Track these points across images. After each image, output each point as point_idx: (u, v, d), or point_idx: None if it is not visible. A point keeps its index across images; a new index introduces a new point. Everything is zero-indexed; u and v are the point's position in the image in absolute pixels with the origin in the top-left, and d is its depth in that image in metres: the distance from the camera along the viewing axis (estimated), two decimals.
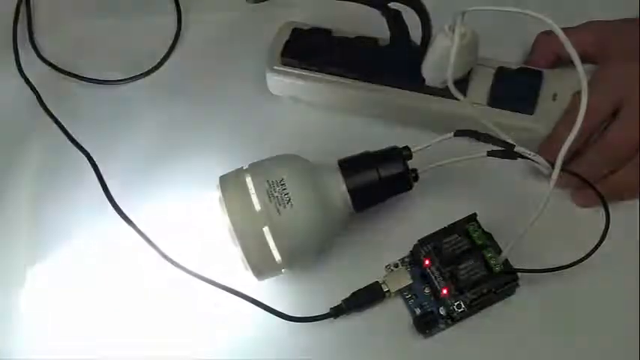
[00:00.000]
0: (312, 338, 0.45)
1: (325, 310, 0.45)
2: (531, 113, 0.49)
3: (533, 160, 0.42)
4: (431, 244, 0.46)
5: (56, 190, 0.52)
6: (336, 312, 0.45)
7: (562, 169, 0.41)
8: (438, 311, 0.45)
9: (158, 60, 0.58)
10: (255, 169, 0.44)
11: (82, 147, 0.50)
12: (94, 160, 0.49)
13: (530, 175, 0.49)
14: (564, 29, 0.39)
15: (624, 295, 0.45)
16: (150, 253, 0.44)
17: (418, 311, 0.45)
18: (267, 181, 0.43)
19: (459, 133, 0.44)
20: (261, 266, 0.43)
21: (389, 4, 0.46)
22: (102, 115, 0.56)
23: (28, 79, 0.56)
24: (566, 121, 0.48)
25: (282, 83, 0.53)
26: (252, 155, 0.46)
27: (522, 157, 0.42)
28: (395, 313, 0.46)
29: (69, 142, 0.50)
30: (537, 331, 0.45)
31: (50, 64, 0.58)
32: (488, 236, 0.46)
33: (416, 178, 0.45)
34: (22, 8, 0.61)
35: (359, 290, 0.46)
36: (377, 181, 0.44)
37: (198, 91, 0.56)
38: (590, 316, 0.45)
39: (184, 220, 0.49)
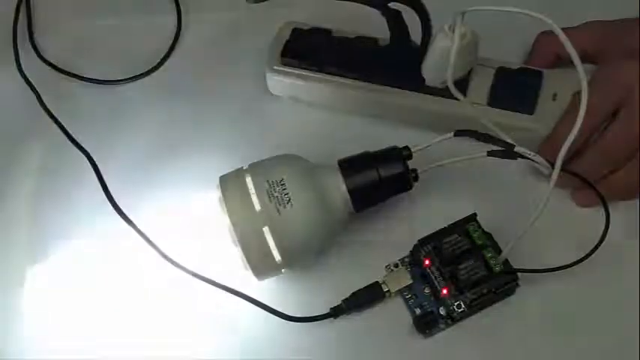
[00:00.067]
0: (312, 338, 0.45)
1: (325, 310, 0.45)
2: (531, 113, 0.49)
3: (533, 160, 0.42)
4: (431, 244, 0.46)
5: (56, 190, 0.52)
6: (336, 312, 0.45)
7: (562, 169, 0.41)
8: (438, 311, 0.45)
9: (158, 60, 0.58)
10: (255, 169, 0.44)
11: (82, 147, 0.50)
12: (94, 160, 0.49)
13: (530, 175, 0.49)
14: (564, 29, 0.39)
15: (624, 295, 0.45)
16: (150, 253, 0.44)
17: (418, 311, 0.45)
18: (267, 181, 0.43)
19: (459, 133, 0.44)
20: (261, 266, 0.43)
21: (389, 4, 0.46)
22: (102, 115, 0.56)
23: (28, 79, 0.56)
24: (566, 121, 0.48)
25: (282, 83, 0.53)
26: (252, 155, 0.46)
27: (522, 157, 0.42)
28: (395, 313, 0.46)
29: (69, 142, 0.50)
30: (537, 331, 0.45)
31: (50, 64, 0.58)
32: (488, 236, 0.46)
33: (416, 178, 0.45)
34: (22, 8, 0.61)
35: (359, 290, 0.46)
36: (377, 181, 0.44)
37: (198, 91, 0.56)
38: (590, 316, 0.45)
39: (184, 220, 0.49)
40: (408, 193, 0.46)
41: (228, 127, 0.54)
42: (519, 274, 0.44)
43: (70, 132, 0.51)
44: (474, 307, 0.44)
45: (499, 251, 0.45)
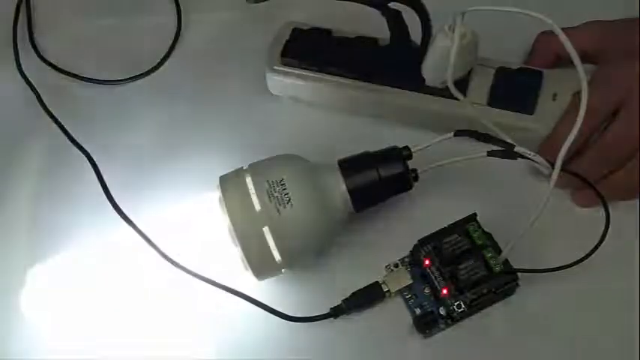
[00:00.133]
0: (312, 338, 0.45)
1: (325, 310, 0.45)
2: (531, 113, 0.49)
3: (533, 160, 0.42)
4: (431, 244, 0.46)
5: (56, 190, 0.52)
6: (336, 312, 0.45)
7: (562, 169, 0.41)
8: (438, 311, 0.45)
9: (158, 60, 0.58)
10: (255, 169, 0.44)
11: (82, 147, 0.50)
12: (94, 160, 0.49)
13: (530, 175, 0.49)
14: (564, 29, 0.39)
15: (624, 295, 0.45)
16: (150, 253, 0.44)
17: (418, 311, 0.45)
18: (267, 181, 0.43)
19: (459, 133, 0.44)
20: (261, 266, 0.43)
21: (389, 4, 0.46)
22: (102, 115, 0.56)
23: (28, 79, 0.56)
24: (566, 121, 0.48)
25: (282, 83, 0.53)
26: (252, 155, 0.46)
27: (522, 157, 0.42)
28: (395, 313, 0.46)
29: (69, 142, 0.50)
30: (537, 331, 0.45)
31: (50, 64, 0.58)
32: (488, 236, 0.46)
33: (416, 178, 0.45)
34: (22, 8, 0.61)
35: (359, 290, 0.46)
36: (377, 181, 0.44)
37: (198, 91, 0.56)
38: (590, 316, 0.45)
39: (184, 220, 0.49)
40: (408, 193, 0.46)
41: (228, 127, 0.54)
42: (519, 274, 0.44)
43: (70, 132, 0.51)
44: (473, 307, 0.44)
45: (499, 251, 0.45)
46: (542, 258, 0.44)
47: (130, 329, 0.46)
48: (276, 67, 0.52)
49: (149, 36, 0.60)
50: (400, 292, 0.46)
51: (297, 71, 0.52)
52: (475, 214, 0.46)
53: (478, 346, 0.44)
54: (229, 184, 0.44)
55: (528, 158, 0.42)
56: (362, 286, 0.46)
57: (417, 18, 0.47)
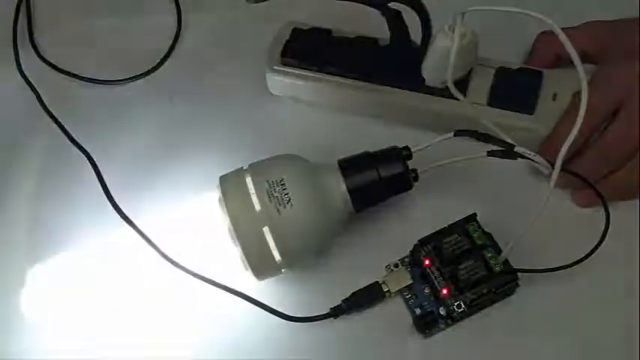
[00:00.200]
0: (312, 338, 0.45)
1: (325, 310, 0.45)
2: (531, 113, 0.49)
3: (533, 160, 0.42)
4: (431, 244, 0.46)
5: (56, 190, 0.52)
6: (336, 312, 0.45)
7: (562, 169, 0.41)
8: (438, 311, 0.45)
9: (158, 60, 0.58)
10: (255, 169, 0.44)
11: (82, 147, 0.50)
12: (94, 160, 0.49)
13: (530, 175, 0.49)
14: (564, 29, 0.39)
15: (624, 295, 0.45)
16: (150, 253, 0.44)
17: (418, 311, 0.45)
18: (267, 181, 0.43)
19: (459, 133, 0.44)
20: (261, 266, 0.43)
21: (389, 4, 0.46)
22: (102, 115, 0.56)
23: (28, 79, 0.56)
24: (566, 121, 0.48)
25: (282, 83, 0.53)
26: (252, 155, 0.46)
27: (522, 157, 0.42)
28: (395, 313, 0.46)
29: (69, 142, 0.50)
30: (537, 331, 0.45)
31: (50, 64, 0.58)
32: (488, 236, 0.46)
33: (416, 178, 0.45)
34: (22, 8, 0.61)
35: (359, 290, 0.46)
36: (377, 181, 0.44)
37: (198, 91, 0.56)
38: (590, 316, 0.45)
39: (184, 220, 0.49)
40: (408, 193, 0.46)
41: (228, 127, 0.54)
42: (519, 274, 0.44)
43: (70, 132, 0.51)
44: (473, 307, 0.44)
45: (499, 251, 0.45)
46: (542, 258, 0.44)
47: (130, 329, 0.46)
48: (276, 67, 0.52)
49: (149, 36, 0.60)
50: (400, 292, 0.46)
51: (297, 71, 0.52)
52: (475, 214, 0.46)
53: (478, 346, 0.44)
54: (229, 184, 0.44)
55: (528, 158, 0.42)
56: (362, 286, 0.46)
57: (417, 18, 0.47)
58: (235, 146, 0.52)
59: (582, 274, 0.43)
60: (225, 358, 0.45)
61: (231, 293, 0.44)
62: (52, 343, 0.46)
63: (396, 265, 0.47)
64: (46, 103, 0.53)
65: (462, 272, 0.44)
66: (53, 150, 0.53)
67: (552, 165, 0.41)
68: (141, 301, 0.47)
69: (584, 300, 0.45)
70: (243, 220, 0.42)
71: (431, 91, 0.50)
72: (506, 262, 0.44)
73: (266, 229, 0.42)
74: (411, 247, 0.47)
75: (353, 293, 0.45)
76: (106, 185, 0.47)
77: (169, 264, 0.44)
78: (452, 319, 0.45)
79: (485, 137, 0.43)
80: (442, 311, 0.45)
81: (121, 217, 0.45)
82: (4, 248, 0.50)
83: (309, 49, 0.52)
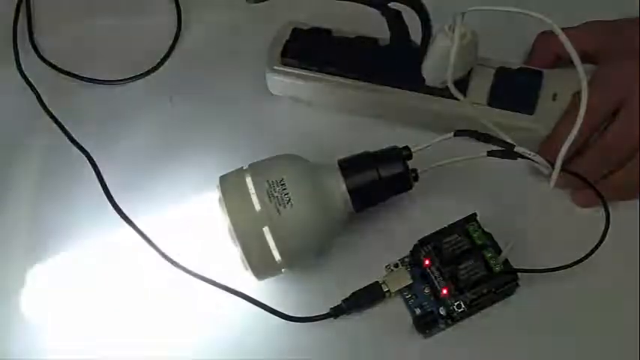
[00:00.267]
0: (312, 338, 0.45)
1: (325, 310, 0.45)
2: (531, 113, 0.49)
3: (533, 160, 0.42)
4: (431, 244, 0.46)
5: (56, 190, 0.52)
6: (336, 312, 0.45)
7: (562, 169, 0.41)
8: (438, 311, 0.45)
9: (158, 60, 0.58)
10: (255, 169, 0.44)
11: (82, 147, 0.50)
12: (94, 160, 0.49)
13: (530, 175, 0.49)
14: (564, 29, 0.39)
15: (624, 295, 0.45)
16: (150, 253, 0.44)
17: (418, 311, 0.45)
18: (267, 181, 0.43)
19: (459, 133, 0.44)
20: (261, 266, 0.43)
21: (389, 4, 0.46)
22: (102, 115, 0.56)
23: (28, 79, 0.56)
24: (566, 121, 0.48)
25: (282, 83, 0.53)
26: (252, 155, 0.46)
27: (522, 157, 0.42)
28: (395, 313, 0.46)
29: (69, 142, 0.50)
30: (537, 331, 0.45)
31: (50, 64, 0.58)
32: (488, 236, 0.46)
33: (416, 178, 0.45)
34: (22, 8, 0.61)
35: (359, 290, 0.46)
36: (377, 181, 0.44)
37: (198, 91, 0.56)
38: (590, 316, 0.45)
39: (184, 220, 0.49)
40: (408, 193, 0.46)
41: (228, 127, 0.54)
42: (519, 274, 0.44)
43: (70, 132, 0.51)
44: (473, 307, 0.44)
45: (499, 251, 0.45)
46: (542, 258, 0.44)
47: (130, 329, 0.46)
48: (276, 67, 0.52)
49: (149, 36, 0.60)
50: (400, 292, 0.46)
51: (297, 71, 0.52)
52: (475, 214, 0.46)
53: (478, 346, 0.44)
54: (229, 184, 0.44)
55: (528, 158, 0.42)
56: (362, 286, 0.46)
57: (417, 18, 0.47)
58: (235, 146, 0.52)
59: (582, 274, 0.43)
60: (225, 358, 0.45)
61: (231, 293, 0.44)
62: (52, 343, 0.47)
63: (396, 265, 0.47)
64: (46, 103, 0.54)
65: (462, 272, 0.44)
66: (53, 150, 0.53)
67: (552, 165, 0.41)
68: (141, 301, 0.47)
69: (584, 300, 0.45)
70: (243, 220, 0.42)
71: (431, 91, 0.50)
72: (506, 262, 0.44)
73: (266, 229, 0.42)
74: (411, 247, 0.47)
75: (353, 293, 0.45)
76: (106, 185, 0.47)
77: (169, 264, 0.44)
78: (452, 319, 0.45)
79: (485, 137, 0.43)
80: (442, 311, 0.45)
81: (121, 217, 0.45)
82: (4, 248, 0.50)
83: (309, 49, 0.52)
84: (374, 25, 0.48)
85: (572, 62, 0.40)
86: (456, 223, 0.46)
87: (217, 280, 0.44)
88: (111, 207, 0.46)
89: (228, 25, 0.59)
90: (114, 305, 0.47)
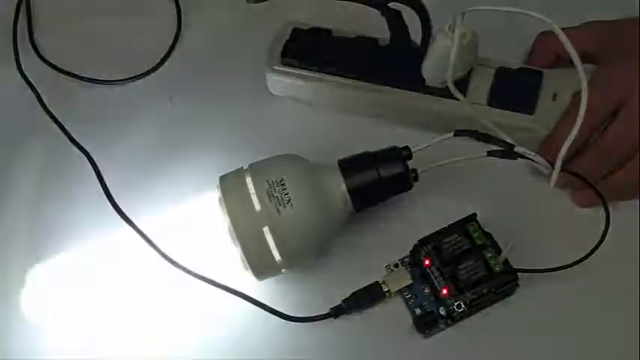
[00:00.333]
0: (312, 338, 0.45)
1: (325, 310, 0.45)
2: (531, 113, 0.49)
3: (533, 160, 0.42)
4: (431, 244, 0.46)
5: (56, 190, 0.52)
6: (336, 312, 0.45)
7: (562, 169, 0.41)
8: (438, 311, 0.45)
9: (158, 60, 0.58)
10: (255, 169, 0.44)
11: (82, 147, 0.50)
12: (94, 160, 0.49)
13: (530, 175, 0.49)
14: (564, 29, 0.39)
15: (624, 295, 0.45)
16: (150, 253, 0.44)
17: (418, 311, 0.45)
18: (267, 181, 0.42)
19: (459, 133, 0.44)
20: (261, 266, 0.43)
21: (389, 4, 0.46)
22: (102, 115, 0.56)
23: (28, 79, 0.56)
24: (566, 121, 0.48)
25: (282, 83, 0.53)
26: (252, 155, 0.46)
27: (522, 157, 0.42)
28: (395, 313, 0.46)
29: (69, 142, 0.50)
30: (537, 331, 0.45)
31: (50, 64, 0.58)
32: (488, 236, 0.46)
33: (416, 178, 0.45)
34: (22, 8, 0.61)
35: (359, 290, 0.46)
36: (377, 181, 0.44)
37: (198, 91, 0.56)
38: (590, 316, 0.45)
39: (184, 220, 0.49)
40: (408, 193, 0.46)
41: (228, 127, 0.54)
42: (519, 274, 0.44)
43: (70, 132, 0.51)
44: (473, 307, 0.44)
45: (499, 251, 0.45)
46: (542, 258, 0.44)
47: (130, 329, 0.46)
48: (276, 67, 0.52)
49: (149, 36, 0.60)
50: (400, 292, 0.46)
51: (297, 71, 0.52)
52: (475, 214, 0.46)
53: (478, 346, 0.44)
54: (229, 184, 0.44)
55: (528, 158, 0.42)
56: (362, 286, 0.46)
57: (417, 18, 0.47)
58: (235, 146, 0.52)
59: (582, 274, 0.43)
60: (225, 358, 0.45)
61: (231, 293, 0.44)
62: (52, 343, 0.47)
63: (396, 265, 0.47)
64: (46, 103, 0.54)
65: (462, 272, 0.44)
66: (53, 150, 0.53)
67: (552, 165, 0.41)
68: (141, 301, 0.47)
69: (584, 300, 0.45)
70: (243, 220, 0.42)
71: (431, 91, 0.50)
72: (506, 262, 0.44)
73: (266, 229, 0.42)
74: (411, 247, 0.47)
75: (353, 293, 0.45)
76: (106, 185, 0.47)
77: (169, 264, 0.44)
78: (452, 319, 0.45)
79: (485, 137, 0.43)
80: (442, 311, 0.45)
81: (121, 217, 0.45)
82: (4, 248, 0.50)
83: (309, 49, 0.52)
84: (374, 25, 0.48)
85: (572, 62, 0.40)
86: (456, 223, 0.46)
87: (217, 280, 0.44)
88: (111, 207, 0.46)
89: (228, 25, 0.59)
90: (114, 305, 0.47)
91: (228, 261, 0.45)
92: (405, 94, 0.50)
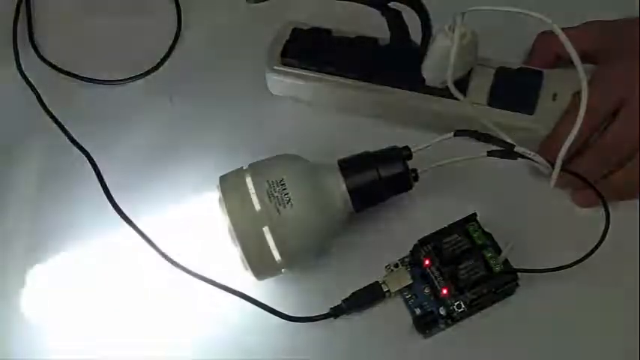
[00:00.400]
0: (312, 338, 0.45)
1: (325, 310, 0.45)
2: (531, 113, 0.49)
3: (533, 160, 0.42)
4: (431, 244, 0.46)
5: (56, 190, 0.52)
6: (336, 312, 0.45)
7: (562, 169, 0.41)
8: (438, 311, 0.45)
9: (158, 60, 0.58)
10: (255, 169, 0.44)
11: (82, 147, 0.50)
12: (94, 160, 0.49)
13: (530, 175, 0.49)
14: (564, 29, 0.39)
15: (624, 295, 0.45)
16: (150, 253, 0.44)
17: (418, 311, 0.45)
18: (267, 181, 0.42)
19: (459, 133, 0.44)
20: (261, 266, 0.43)
21: (389, 4, 0.46)
22: (102, 115, 0.56)
23: (28, 79, 0.56)
24: (566, 121, 0.48)
25: (282, 83, 0.53)
26: (252, 155, 0.46)
27: (522, 157, 0.42)
28: (395, 313, 0.46)
29: (69, 142, 0.50)
30: (537, 331, 0.45)
31: (50, 64, 0.58)
32: (488, 236, 0.46)
33: (416, 178, 0.45)
34: (22, 8, 0.61)
35: (359, 290, 0.46)
36: (377, 181, 0.44)
37: (198, 91, 0.56)
38: (590, 316, 0.45)
39: (184, 220, 0.49)
40: (408, 193, 0.46)
41: (228, 127, 0.54)
42: (519, 274, 0.44)
43: (70, 132, 0.51)
44: (474, 307, 0.44)
45: (499, 251, 0.45)
46: (542, 258, 0.44)
47: (130, 329, 0.46)
48: (276, 67, 0.52)
49: (149, 36, 0.60)
50: (400, 292, 0.46)
51: (297, 71, 0.52)
52: (475, 214, 0.46)
53: (478, 346, 0.44)
54: (229, 184, 0.44)
55: (528, 158, 0.42)
56: (362, 286, 0.46)
57: (417, 18, 0.47)
58: (235, 146, 0.52)
59: (582, 274, 0.43)
60: (225, 357, 0.45)
61: (231, 293, 0.44)
62: (52, 343, 0.47)
63: (396, 265, 0.47)
64: (46, 103, 0.53)
65: (462, 272, 0.44)
66: (53, 150, 0.53)
67: (552, 165, 0.41)
68: (141, 301, 0.47)
69: (584, 300, 0.45)
70: (243, 220, 0.42)
71: (431, 91, 0.50)
72: (506, 262, 0.44)
73: (266, 229, 0.42)
74: (411, 247, 0.47)
75: (353, 293, 0.45)
76: (106, 185, 0.47)
77: (169, 264, 0.44)
78: (452, 319, 0.45)
79: (485, 137, 0.43)
80: (442, 311, 0.45)
81: (121, 217, 0.45)
82: (5, 248, 0.50)
83: (309, 49, 0.52)
84: (374, 25, 0.48)
85: (572, 62, 0.40)
86: (456, 223, 0.46)
87: (217, 280, 0.44)
88: (111, 207, 0.46)
89: (228, 25, 0.59)
90: (114, 305, 0.47)
91: (228, 261, 0.45)
92: (405, 94, 0.50)
